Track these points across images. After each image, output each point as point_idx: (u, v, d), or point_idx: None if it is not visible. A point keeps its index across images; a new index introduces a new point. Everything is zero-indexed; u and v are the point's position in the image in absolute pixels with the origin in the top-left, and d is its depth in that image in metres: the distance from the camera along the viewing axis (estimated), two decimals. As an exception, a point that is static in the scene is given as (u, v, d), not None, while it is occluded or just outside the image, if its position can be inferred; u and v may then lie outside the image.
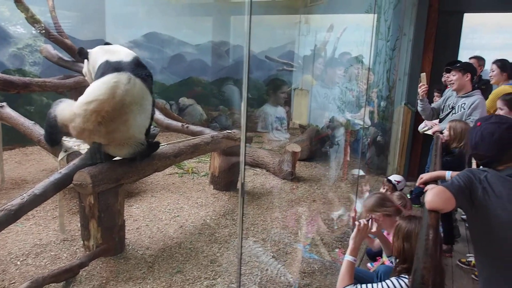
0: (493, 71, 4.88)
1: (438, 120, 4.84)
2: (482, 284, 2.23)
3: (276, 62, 9.82)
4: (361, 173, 6.32)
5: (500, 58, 4.96)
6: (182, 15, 9.24)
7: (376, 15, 6.37)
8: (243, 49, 2.23)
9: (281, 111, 9.22)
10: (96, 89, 3.50)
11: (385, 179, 4.75)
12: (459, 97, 4.50)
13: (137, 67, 3.70)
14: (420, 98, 4.68)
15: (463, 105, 4.44)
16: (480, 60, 5.55)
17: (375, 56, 6.61)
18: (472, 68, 4.60)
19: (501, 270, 2.11)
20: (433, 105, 4.92)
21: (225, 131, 5.43)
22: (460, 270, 4.07)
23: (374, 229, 3.17)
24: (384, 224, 3.23)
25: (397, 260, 2.46)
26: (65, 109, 3.69)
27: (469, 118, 4.28)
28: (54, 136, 3.95)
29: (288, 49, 9.77)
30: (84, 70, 4.10)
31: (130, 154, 3.70)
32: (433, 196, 2.06)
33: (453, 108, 4.55)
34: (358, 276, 3.14)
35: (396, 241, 2.44)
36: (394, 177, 4.70)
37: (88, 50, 3.91)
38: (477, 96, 4.39)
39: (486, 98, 4.94)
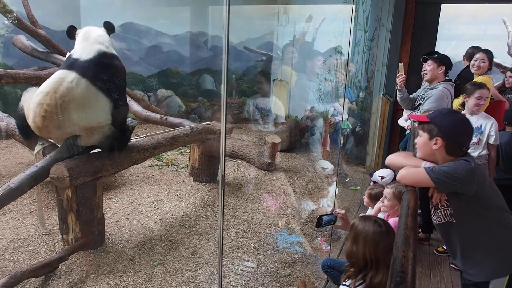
0: (483, 62, 4.85)
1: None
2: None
3: (255, 53, 9.78)
4: (327, 165, 6.33)
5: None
6: (159, 5, 9.11)
7: (354, 5, 6.39)
8: (222, 39, 2.20)
9: (263, 102, 9.20)
10: (45, 83, 3.54)
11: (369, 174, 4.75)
12: (429, 88, 4.53)
13: (95, 67, 3.60)
14: (399, 88, 4.70)
15: (427, 97, 4.48)
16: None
17: (354, 47, 6.64)
18: (448, 62, 4.62)
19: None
20: (412, 95, 4.94)
21: (204, 123, 5.41)
22: (438, 258, 4.15)
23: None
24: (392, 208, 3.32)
25: (347, 263, 2.33)
26: (27, 100, 3.67)
27: (424, 109, 4.33)
28: (26, 128, 3.86)
29: (267, 39, 9.71)
30: None
31: (100, 139, 3.66)
32: (407, 173, 2.28)
33: (422, 98, 4.59)
34: (334, 265, 3.19)
35: (348, 242, 2.32)
36: (381, 172, 4.52)
37: (78, 31, 3.88)
38: (438, 89, 4.40)
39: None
